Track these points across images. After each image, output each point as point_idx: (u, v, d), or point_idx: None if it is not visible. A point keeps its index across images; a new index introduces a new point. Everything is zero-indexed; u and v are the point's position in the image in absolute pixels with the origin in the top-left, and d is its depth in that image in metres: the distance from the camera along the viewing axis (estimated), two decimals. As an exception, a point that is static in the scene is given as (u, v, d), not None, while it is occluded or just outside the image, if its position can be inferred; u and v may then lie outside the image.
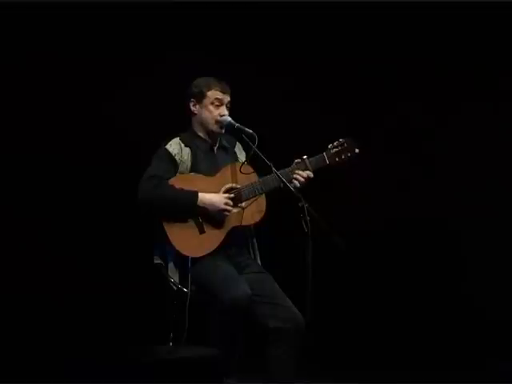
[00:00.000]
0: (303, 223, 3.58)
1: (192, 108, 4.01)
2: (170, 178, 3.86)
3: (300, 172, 3.91)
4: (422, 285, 5.29)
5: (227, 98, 3.97)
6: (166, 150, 3.93)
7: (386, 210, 5.27)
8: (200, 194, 3.84)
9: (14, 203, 4.86)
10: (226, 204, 3.85)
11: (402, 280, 5.28)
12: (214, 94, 3.96)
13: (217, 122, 3.96)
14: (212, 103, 3.96)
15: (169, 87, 4.79)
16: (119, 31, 4.92)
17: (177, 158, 3.92)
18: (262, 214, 3.92)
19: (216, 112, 3.95)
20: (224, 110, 3.95)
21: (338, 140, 3.99)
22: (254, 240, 4.05)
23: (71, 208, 4.95)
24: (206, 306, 3.77)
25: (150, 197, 3.81)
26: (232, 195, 3.89)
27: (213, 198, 3.85)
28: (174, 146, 3.95)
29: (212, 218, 3.86)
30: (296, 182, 3.89)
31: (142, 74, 4.95)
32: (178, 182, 3.88)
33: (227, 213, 3.85)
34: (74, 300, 4.88)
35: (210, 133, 4.00)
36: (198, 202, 3.83)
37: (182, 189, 3.84)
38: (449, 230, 5.33)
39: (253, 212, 3.91)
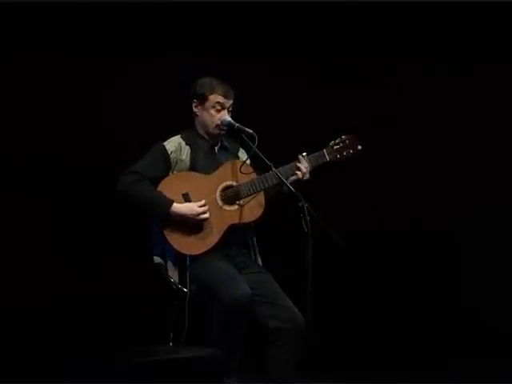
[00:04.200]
0: (303, 223, 3.58)
1: (194, 109, 4.01)
2: (153, 177, 3.86)
3: (299, 166, 3.90)
4: (422, 285, 5.29)
5: (229, 102, 3.97)
6: (163, 146, 3.94)
7: (386, 209, 5.27)
8: (174, 204, 3.83)
9: (12, 204, 4.86)
10: (199, 213, 3.83)
11: (402, 280, 5.28)
12: (215, 98, 3.95)
13: (217, 126, 3.96)
14: (213, 107, 3.95)
15: (169, 87, 4.80)
16: (119, 31, 4.92)
17: (172, 156, 3.92)
18: (262, 208, 3.91)
19: (217, 116, 3.95)
20: (225, 114, 3.95)
21: (340, 137, 3.99)
22: (255, 240, 4.05)
23: (71, 208, 4.95)
24: (206, 306, 3.77)
25: (126, 192, 3.83)
26: (206, 208, 3.86)
27: (185, 210, 3.83)
28: (172, 143, 3.95)
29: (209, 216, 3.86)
30: (296, 172, 3.88)
31: (142, 73, 4.95)
32: (173, 181, 3.89)
33: (205, 216, 3.84)
34: (74, 300, 4.88)
35: (210, 135, 4.01)
36: (171, 212, 3.82)
37: (160, 193, 3.85)
38: (449, 230, 5.33)
39: (252, 208, 3.90)
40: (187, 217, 3.84)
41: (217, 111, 3.96)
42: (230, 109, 3.98)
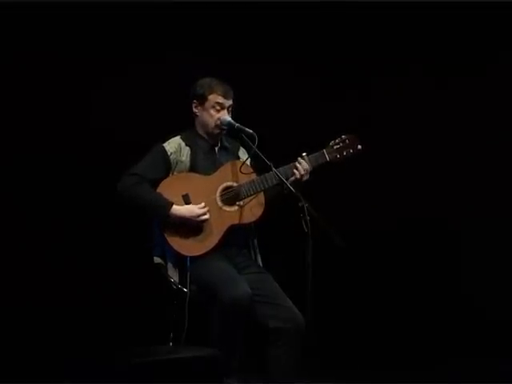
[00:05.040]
0: (303, 223, 3.58)
1: (194, 109, 4.01)
2: (153, 179, 3.86)
3: (298, 164, 3.90)
4: (423, 284, 5.29)
5: (229, 102, 3.97)
6: (163, 147, 3.94)
7: (385, 209, 5.26)
8: (174, 207, 3.82)
9: (12, 204, 4.86)
10: (199, 215, 3.84)
11: (403, 279, 5.28)
12: (215, 97, 3.95)
13: (217, 125, 3.96)
14: (213, 107, 3.95)
15: (169, 87, 4.80)
16: (119, 31, 4.92)
17: (172, 157, 3.92)
18: (262, 208, 3.91)
19: (217, 116, 3.95)
20: (225, 115, 3.95)
21: (340, 136, 3.99)
22: (255, 241, 4.05)
23: (71, 208, 4.94)
24: (207, 306, 3.77)
25: (125, 194, 3.83)
26: (202, 204, 3.86)
27: (185, 212, 3.83)
28: (172, 144, 3.95)
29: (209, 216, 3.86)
30: (296, 172, 3.88)
31: (143, 73, 4.95)
32: (174, 182, 3.89)
33: (205, 217, 3.84)
34: (74, 300, 4.88)
35: (210, 135, 4.01)
36: (170, 214, 3.82)
37: (160, 194, 3.85)
38: (449, 230, 5.33)
39: (252, 209, 3.90)
40: (187, 218, 3.84)
41: (216, 111, 3.96)
42: (230, 109, 3.98)
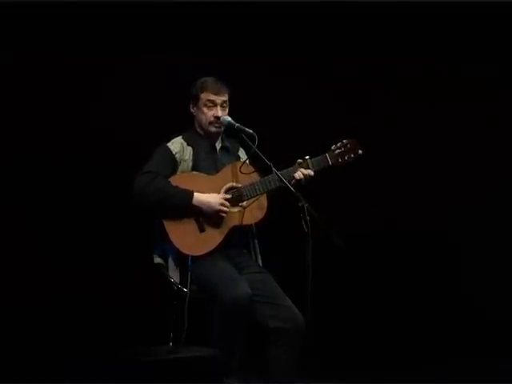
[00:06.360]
0: (303, 223, 3.58)
1: (191, 110, 4.04)
2: (166, 175, 3.86)
3: (301, 169, 3.91)
4: (422, 285, 5.30)
5: (221, 99, 3.97)
6: (167, 147, 3.95)
7: (385, 210, 5.27)
8: (195, 194, 3.83)
9: (12, 203, 4.86)
10: (222, 205, 3.84)
11: (402, 280, 5.29)
12: (206, 95, 3.97)
13: (211, 123, 3.96)
14: (205, 105, 3.97)
15: (169, 87, 4.80)
16: (119, 31, 4.92)
17: (177, 156, 3.93)
18: (264, 211, 3.91)
19: (210, 113, 3.96)
20: (218, 111, 3.95)
21: (341, 141, 3.99)
22: (256, 241, 4.05)
23: (71, 208, 4.94)
24: (207, 306, 3.77)
25: (144, 191, 3.80)
26: (229, 196, 3.89)
27: (208, 198, 3.85)
28: (176, 144, 3.96)
29: (212, 217, 3.86)
30: (297, 175, 3.88)
31: (143, 73, 4.95)
32: (179, 180, 3.88)
33: (223, 214, 3.85)
34: (74, 300, 4.88)
35: (208, 133, 4.01)
36: (193, 202, 3.82)
37: (178, 186, 3.85)
38: (449, 231, 5.33)
39: (254, 211, 3.90)
40: (208, 206, 3.82)
41: (208, 108, 3.96)
42: (225, 105, 3.98)
